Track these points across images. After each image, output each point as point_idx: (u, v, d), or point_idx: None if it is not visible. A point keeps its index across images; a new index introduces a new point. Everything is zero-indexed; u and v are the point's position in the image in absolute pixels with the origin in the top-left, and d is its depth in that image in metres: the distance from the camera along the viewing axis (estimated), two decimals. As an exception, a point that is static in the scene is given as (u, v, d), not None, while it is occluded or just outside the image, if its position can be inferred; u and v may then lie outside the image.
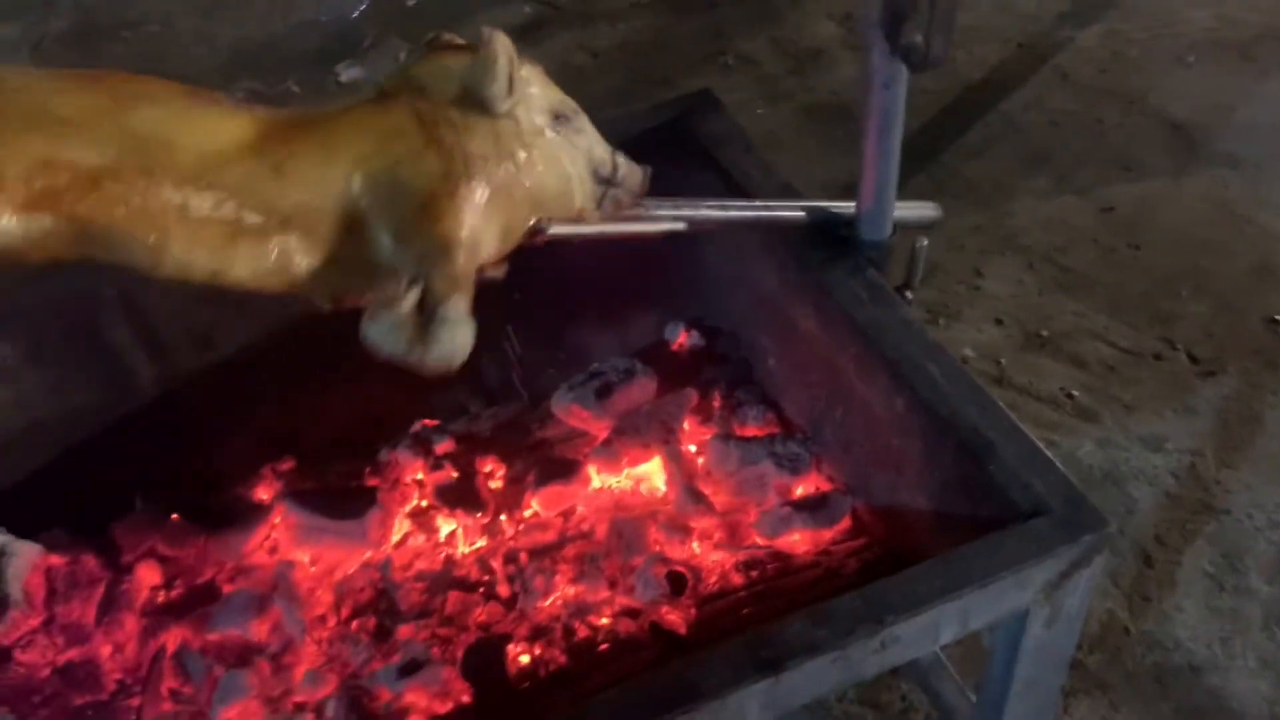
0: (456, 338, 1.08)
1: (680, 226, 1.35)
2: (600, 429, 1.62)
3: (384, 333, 1.07)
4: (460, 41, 1.22)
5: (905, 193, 1.41)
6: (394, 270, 1.11)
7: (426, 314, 1.08)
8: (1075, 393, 2.29)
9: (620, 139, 1.51)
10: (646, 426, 1.59)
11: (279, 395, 1.58)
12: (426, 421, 1.66)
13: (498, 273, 1.22)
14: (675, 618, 1.35)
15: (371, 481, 1.56)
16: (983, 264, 2.56)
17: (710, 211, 1.39)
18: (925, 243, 1.44)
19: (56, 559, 1.46)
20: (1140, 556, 2.01)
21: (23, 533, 1.45)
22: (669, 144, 1.56)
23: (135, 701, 1.31)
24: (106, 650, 1.38)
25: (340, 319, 1.53)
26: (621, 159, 1.28)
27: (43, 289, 1.57)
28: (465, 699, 1.30)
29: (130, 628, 1.39)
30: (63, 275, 1.49)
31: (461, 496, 1.55)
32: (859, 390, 1.37)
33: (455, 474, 1.58)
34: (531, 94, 1.19)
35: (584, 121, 1.25)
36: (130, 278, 1.43)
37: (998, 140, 2.91)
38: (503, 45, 1.14)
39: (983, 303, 2.47)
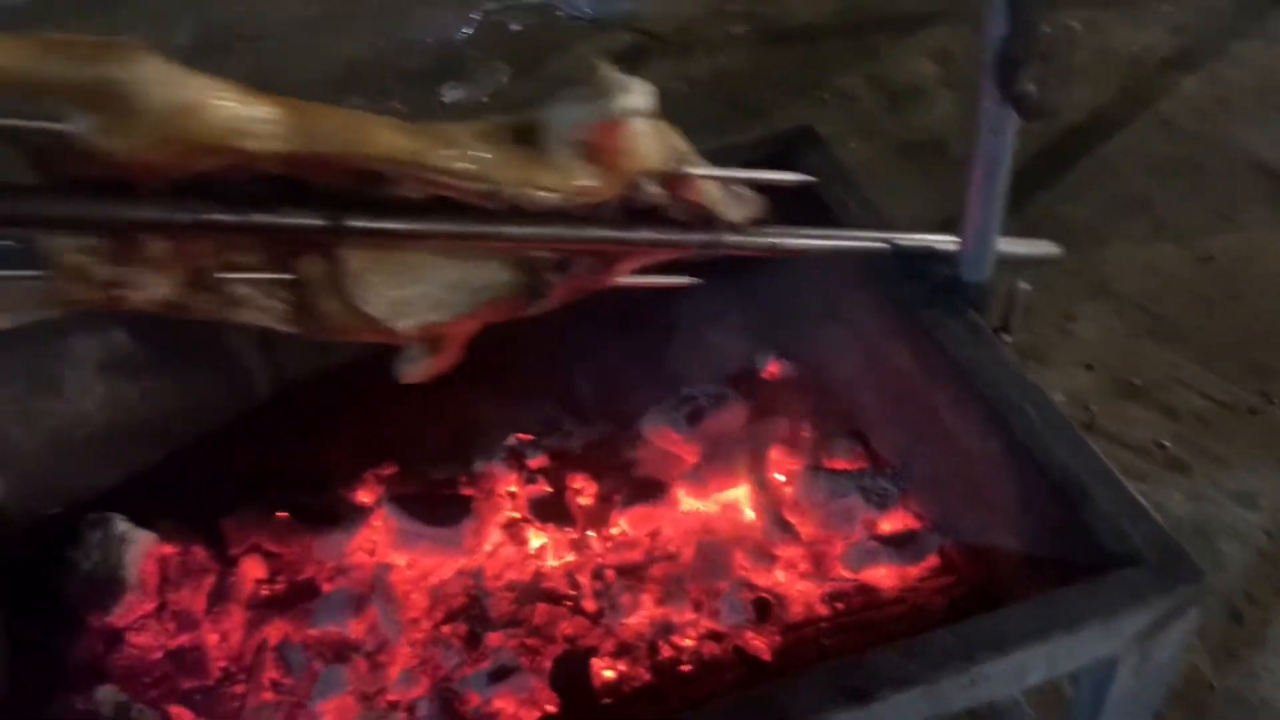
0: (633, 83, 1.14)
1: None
2: (689, 453, 1.65)
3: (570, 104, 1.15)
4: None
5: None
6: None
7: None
8: (1166, 443, 2.26)
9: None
10: (735, 453, 1.62)
11: (383, 403, 1.63)
12: (521, 436, 1.71)
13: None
14: (760, 643, 1.37)
15: (467, 491, 1.61)
16: (1074, 308, 2.54)
17: (810, 241, 1.41)
18: (1025, 286, 1.45)
19: (169, 548, 1.53)
20: (1229, 613, 1.98)
21: (139, 521, 1.53)
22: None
23: (239, 689, 1.37)
24: (213, 638, 1.44)
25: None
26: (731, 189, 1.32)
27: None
28: (551, 709, 1.34)
29: (236, 618, 1.45)
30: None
31: (552, 511, 1.59)
32: (953, 429, 1.38)
33: (547, 488, 1.62)
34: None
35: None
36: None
37: (1095, 184, 2.89)
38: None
39: (1073, 347, 2.45)
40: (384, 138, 1.06)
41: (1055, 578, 1.17)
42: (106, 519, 1.49)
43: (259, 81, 1.19)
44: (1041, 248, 1.51)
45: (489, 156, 1.12)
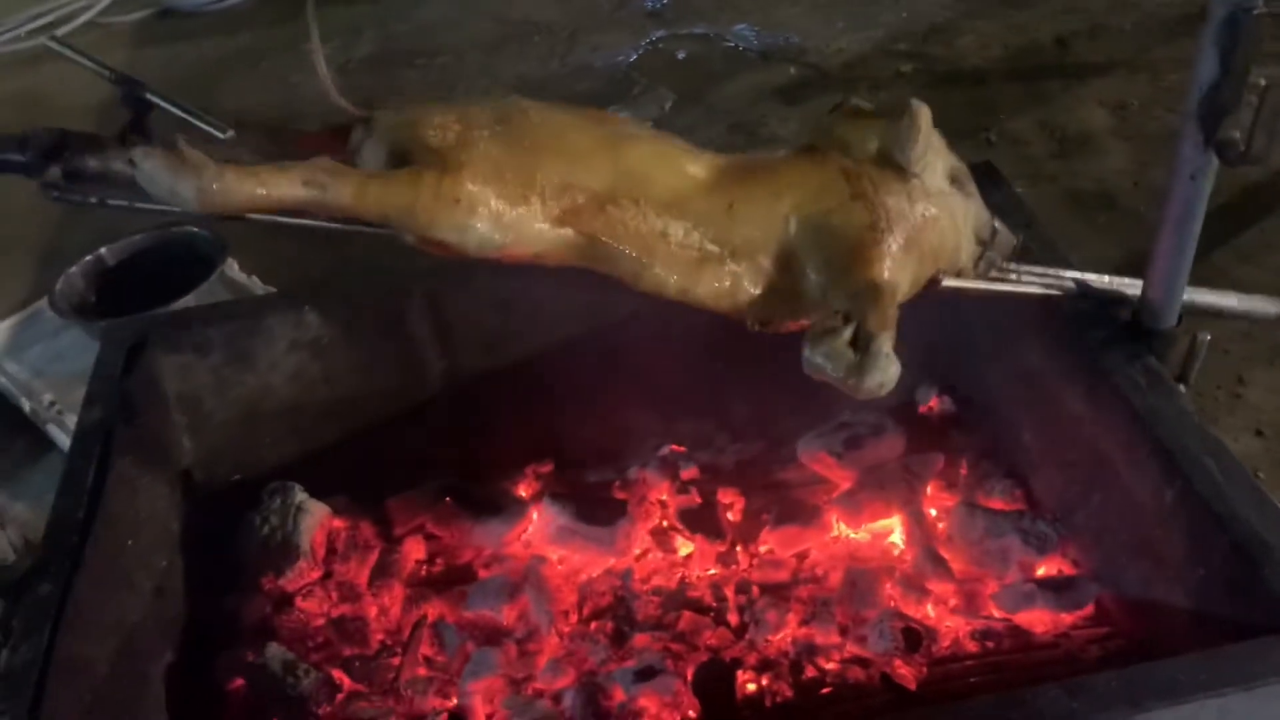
0: (889, 370, 1.14)
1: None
2: (844, 479, 1.65)
3: (824, 359, 1.16)
4: (869, 106, 1.36)
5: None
6: (818, 303, 1.24)
7: (860, 346, 1.16)
8: (1339, 519, 2.15)
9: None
10: (890, 484, 1.61)
11: (547, 403, 1.70)
12: (675, 447, 1.74)
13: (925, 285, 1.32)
14: (907, 672, 1.36)
15: (620, 495, 1.65)
16: (1247, 372, 2.44)
17: (986, 284, 1.40)
18: (1208, 337, 1.42)
19: (339, 522, 1.61)
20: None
21: (313, 494, 1.62)
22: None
23: (395, 661, 1.43)
24: (373, 611, 1.51)
25: (615, 339, 1.65)
26: (999, 224, 1.38)
27: (363, 281, 1.75)
28: (692, 714, 1.36)
29: (396, 594, 1.52)
30: (383, 271, 1.68)
31: (702, 523, 1.62)
32: (1124, 477, 1.35)
33: (698, 500, 1.65)
34: (936, 158, 1.31)
35: (973, 186, 1.36)
36: (441, 279, 1.61)
37: (1274, 246, 2.78)
38: (924, 116, 1.26)
39: (1243, 412, 2.35)
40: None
41: (1226, 635, 1.13)
42: (287, 487, 1.58)
43: (433, 96, 1.28)
44: (1263, 305, 1.49)
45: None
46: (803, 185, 1.27)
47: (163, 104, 1.25)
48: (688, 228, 1.24)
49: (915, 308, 1.52)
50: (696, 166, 1.27)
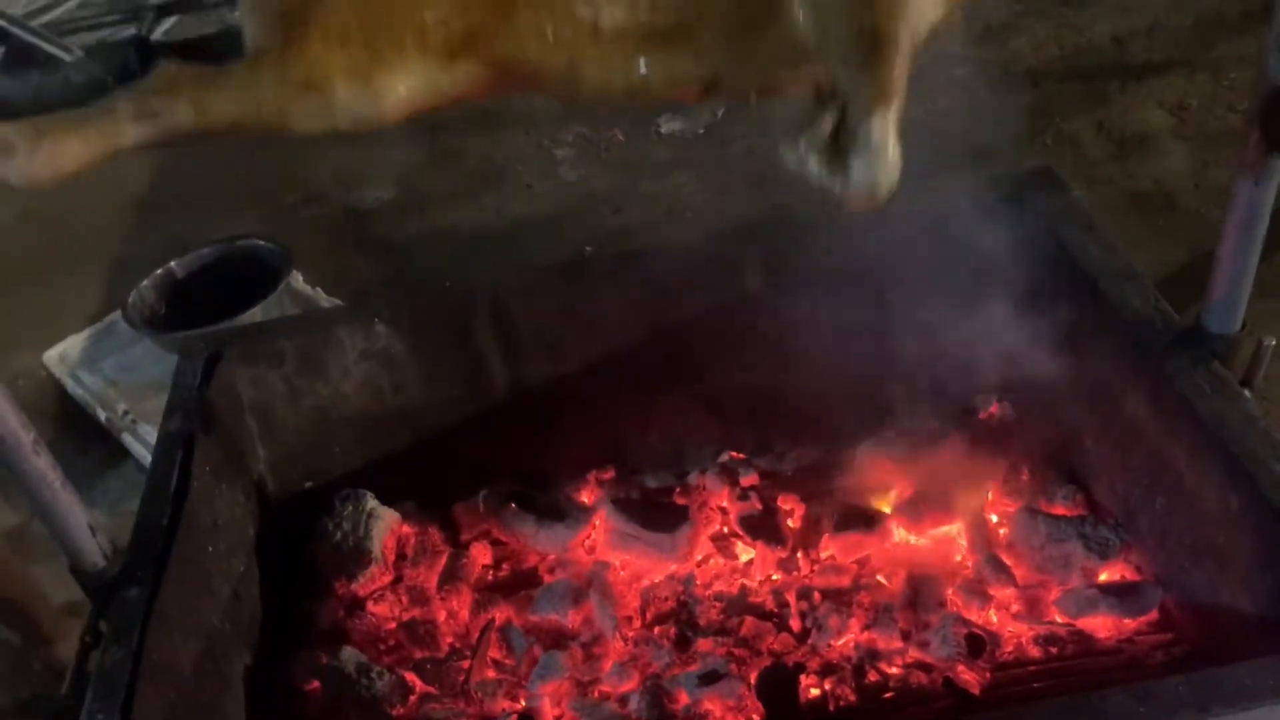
0: (878, 166, 0.88)
1: None
2: (904, 485, 1.66)
3: (799, 156, 0.90)
4: None
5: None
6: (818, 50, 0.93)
7: (847, 133, 0.88)
8: None
9: (958, 208, 1.57)
10: (951, 490, 1.62)
11: (609, 410, 1.72)
12: (734, 453, 1.76)
13: (953, 27, 0.98)
14: (970, 677, 1.37)
15: (681, 501, 1.67)
16: (1313, 376, 2.40)
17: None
18: (1273, 342, 1.41)
19: (408, 528, 1.66)
20: None
21: (383, 501, 1.66)
22: (1008, 216, 1.59)
23: (465, 664, 1.47)
24: (442, 615, 1.55)
25: (675, 347, 1.68)
26: None
27: (429, 291, 1.80)
28: (756, 717, 1.37)
29: (464, 598, 1.56)
30: (449, 282, 1.71)
31: (762, 529, 1.63)
32: (1188, 482, 1.35)
33: (757, 506, 1.67)
34: None
35: None
36: (503, 289, 1.65)
37: (1341, 248, 2.73)
38: None
39: (1311, 416, 2.32)
40: None
41: (1297, 641, 1.13)
42: (358, 494, 1.63)
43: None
44: None
45: None
46: None
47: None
48: (628, 3, 0.93)
49: (968, 313, 1.53)
50: None
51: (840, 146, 0.87)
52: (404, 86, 0.94)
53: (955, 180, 1.76)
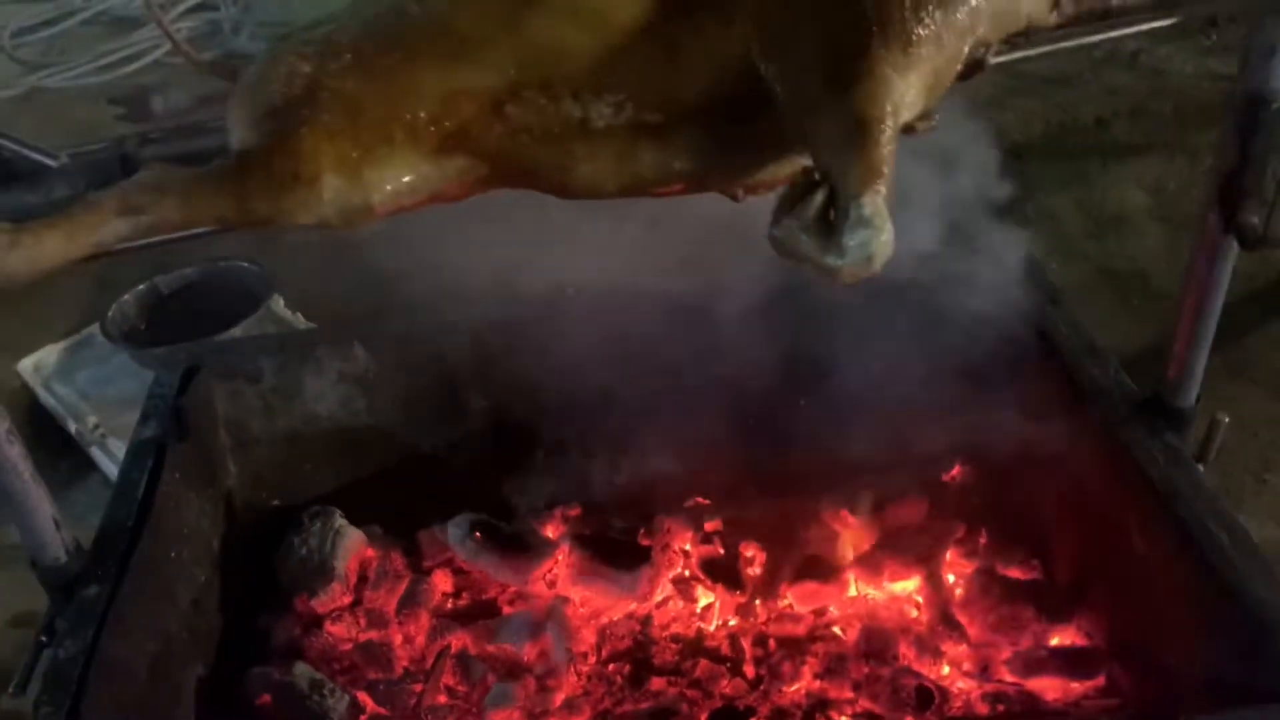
0: (872, 241, 0.85)
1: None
2: (864, 539, 1.68)
3: (790, 237, 0.88)
4: None
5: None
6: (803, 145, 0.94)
7: (839, 211, 0.87)
8: (1362, 611, 2.14)
9: (930, 276, 1.61)
10: (910, 547, 1.64)
11: (580, 449, 1.74)
12: (700, 499, 1.78)
13: (927, 128, 0.98)
14: (917, 730, 1.38)
15: (645, 541, 1.69)
16: (1274, 457, 2.45)
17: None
18: (1226, 419, 1.45)
19: (371, 551, 1.67)
20: None
21: (349, 522, 1.67)
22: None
23: (418, 688, 1.47)
24: (399, 638, 1.55)
25: (649, 391, 1.70)
26: None
27: (411, 319, 1.82)
28: (704, 758, 1.38)
29: (423, 623, 1.56)
30: (428, 309, 1.74)
31: (723, 574, 1.65)
32: (1138, 549, 1.38)
33: (720, 551, 1.68)
34: None
35: None
36: (484, 323, 1.67)
37: (1306, 335, 2.79)
38: None
39: (1269, 498, 2.36)
40: None
41: (1236, 705, 1.15)
42: (328, 511, 1.64)
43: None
44: None
45: None
46: None
47: None
48: (616, 101, 0.94)
49: (936, 380, 1.57)
50: (623, 6, 0.95)
51: (832, 224, 0.87)
52: (394, 181, 0.95)
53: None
